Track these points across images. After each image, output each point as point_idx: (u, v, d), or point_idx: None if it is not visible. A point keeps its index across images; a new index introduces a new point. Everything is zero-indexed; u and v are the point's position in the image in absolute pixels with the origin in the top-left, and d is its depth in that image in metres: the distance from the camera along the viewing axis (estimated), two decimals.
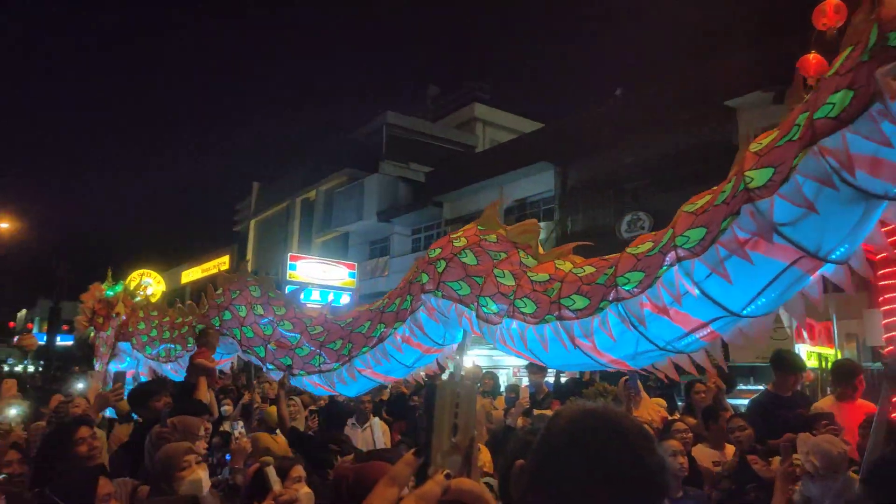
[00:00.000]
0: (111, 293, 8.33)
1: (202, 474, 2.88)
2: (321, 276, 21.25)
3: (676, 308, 3.16)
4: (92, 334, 8.67)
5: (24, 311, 53.70)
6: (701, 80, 14.75)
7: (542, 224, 19.08)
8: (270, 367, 5.85)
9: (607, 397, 6.40)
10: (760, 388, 6.96)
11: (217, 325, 6.19)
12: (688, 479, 3.93)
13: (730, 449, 4.60)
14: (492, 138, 29.31)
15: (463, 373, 6.77)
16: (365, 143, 28.15)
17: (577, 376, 7.78)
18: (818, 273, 2.82)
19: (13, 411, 4.09)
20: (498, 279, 4.08)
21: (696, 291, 3.03)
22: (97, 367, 8.42)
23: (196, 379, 4.82)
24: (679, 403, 7.65)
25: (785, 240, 2.68)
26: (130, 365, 7.75)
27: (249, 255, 34.27)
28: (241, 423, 3.70)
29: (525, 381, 13.48)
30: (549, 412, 6.41)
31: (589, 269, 3.63)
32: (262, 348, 5.81)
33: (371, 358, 5.03)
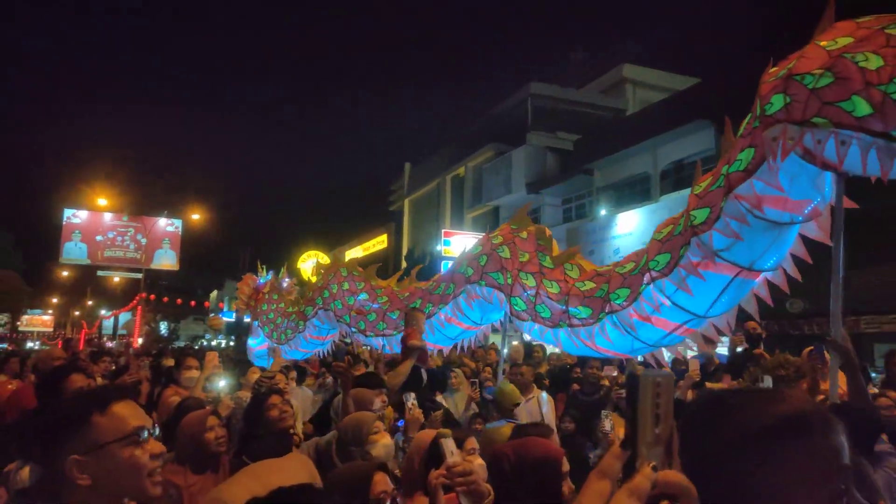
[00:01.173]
0: (262, 282, 9.88)
1: (390, 440, 3.07)
2: None
3: (657, 316, 4.09)
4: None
5: (215, 292, 60.38)
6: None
7: None
8: (353, 329, 6.96)
9: (788, 369, 5.89)
10: None
11: (320, 302, 7.52)
12: None
13: None
14: (642, 99, 27.83)
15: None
16: (509, 116, 28.00)
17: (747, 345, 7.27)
18: (762, 276, 3.71)
19: (222, 383, 4.59)
20: (523, 281, 5.07)
21: (669, 303, 3.97)
22: (250, 343, 10.09)
23: (407, 357, 5.10)
24: (874, 375, 6.94)
25: (724, 261, 3.60)
26: (263, 341, 9.20)
27: (405, 233, 35.73)
28: (413, 395, 3.87)
29: (690, 352, 12.81)
30: (720, 386, 6.03)
31: (589, 284, 4.58)
32: (347, 316, 7.08)
33: None
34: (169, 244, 34.22)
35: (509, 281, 5.18)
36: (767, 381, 4.26)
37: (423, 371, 5.20)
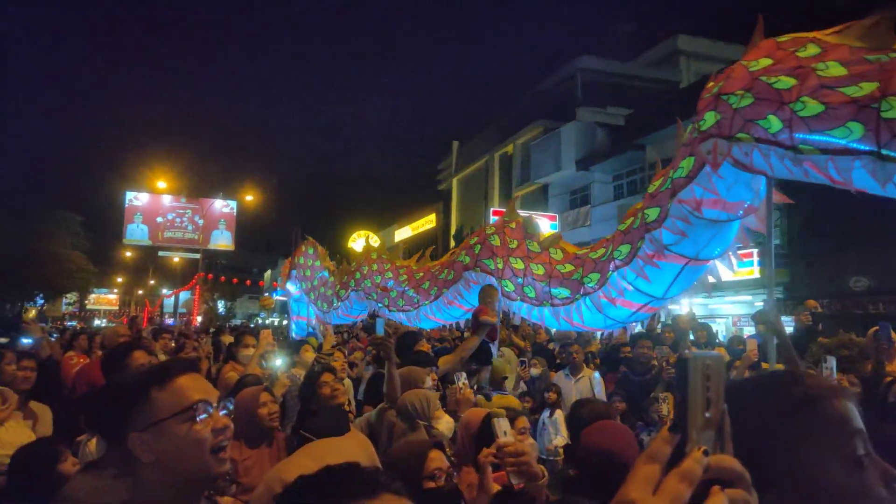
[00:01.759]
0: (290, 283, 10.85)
1: (451, 419, 3.13)
2: None
3: (622, 298, 4.69)
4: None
5: (269, 272, 61.91)
6: None
7: None
8: (380, 305, 7.85)
9: (852, 349, 5.68)
10: None
11: (352, 285, 8.46)
12: None
13: None
14: (698, 71, 26.87)
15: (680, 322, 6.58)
16: (558, 91, 27.50)
17: (811, 324, 7.02)
18: (710, 262, 4.24)
19: (279, 361, 4.70)
20: (513, 265, 5.74)
21: (631, 288, 4.56)
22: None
23: (479, 333, 5.16)
24: None
25: (673, 253, 4.13)
26: (302, 296, 10.33)
27: (454, 212, 35.74)
28: (464, 375, 3.87)
29: (747, 332, 12.41)
30: (777, 367, 5.85)
31: (568, 267, 5.18)
32: (374, 293, 8.05)
33: (430, 309, 7.01)
34: (225, 225, 35.16)
35: (500, 266, 5.85)
36: (830, 362, 4.11)
37: (491, 346, 5.27)
